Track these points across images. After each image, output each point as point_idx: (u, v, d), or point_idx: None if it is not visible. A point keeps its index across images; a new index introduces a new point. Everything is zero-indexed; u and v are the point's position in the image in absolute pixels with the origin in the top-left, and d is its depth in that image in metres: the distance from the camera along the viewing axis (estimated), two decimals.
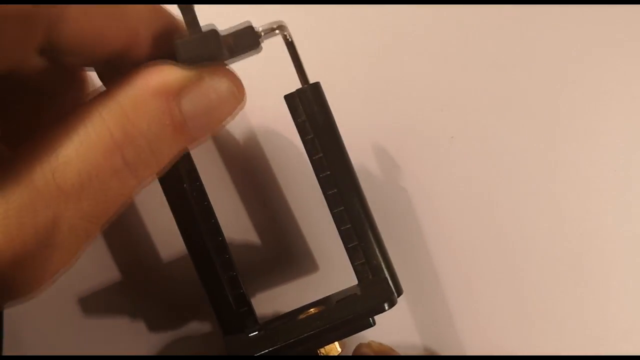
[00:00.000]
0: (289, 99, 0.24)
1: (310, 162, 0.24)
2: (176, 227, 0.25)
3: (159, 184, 0.25)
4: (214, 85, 0.20)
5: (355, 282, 0.25)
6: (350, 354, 0.27)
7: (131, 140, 0.18)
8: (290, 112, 0.24)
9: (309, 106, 0.24)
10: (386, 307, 0.24)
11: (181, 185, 0.25)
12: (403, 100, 0.31)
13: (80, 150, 0.18)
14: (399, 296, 0.25)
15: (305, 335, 0.23)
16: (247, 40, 0.21)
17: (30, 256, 0.17)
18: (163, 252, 0.30)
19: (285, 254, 0.30)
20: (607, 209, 0.30)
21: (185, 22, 0.20)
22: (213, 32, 0.20)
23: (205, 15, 0.28)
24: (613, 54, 0.31)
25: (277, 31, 0.22)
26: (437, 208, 0.30)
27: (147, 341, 0.30)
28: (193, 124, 0.19)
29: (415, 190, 0.31)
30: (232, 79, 0.20)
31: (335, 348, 0.25)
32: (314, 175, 0.25)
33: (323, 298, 0.26)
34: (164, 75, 0.19)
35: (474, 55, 0.31)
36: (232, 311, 0.25)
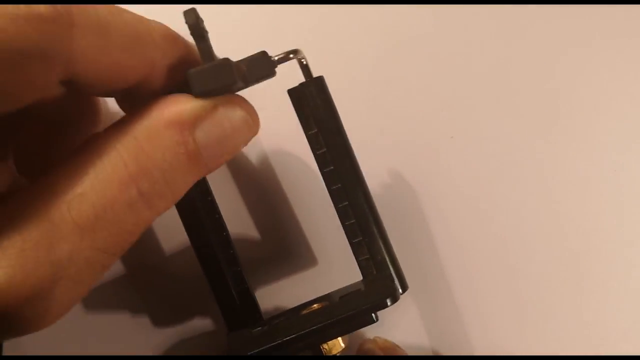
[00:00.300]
0: (293, 93, 0.24)
1: (314, 156, 0.24)
2: (179, 222, 0.25)
3: None
4: (228, 115, 0.20)
5: (360, 277, 0.25)
6: (355, 351, 0.27)
7: (146, 172, 0.18)
8: (294, 106, 0.24)
9: (312, 100, 0.24)
10: (389, 303, 0.23)
11: None
12: (403, 100, 0.31)
13: (95, 184, 0.18)
14: (404, 292, 0.25)
15: (307, 330, 0.23)
16: (262, 68, 0.21)
17: (47, 290, 0.17)
18: (166, 247, 0.30)
19: (287, 249, 0.30)
20: (607, 208, 0.30)
21: (199, 50, 0.20)
22: (226, 61, 0.20)
23: (206, 15, 0.28)
24: (613, 53, 0.31)
25: (292, 57, 0.22)
26: (437, 207, 0.30)
27: (150, 338, 0.30)
28: (207, 153, 0.19)
29: (415, 189, 0.31)
30: (246, 108, 0.20)
31: (338, 344, 0.25)
32: (315, 171, 0.25)
33: (327, 294, 0.26)
34: (178, 106, 0.19)
35: (474, 55, 0.31)
36: (236, 306, 0.25)
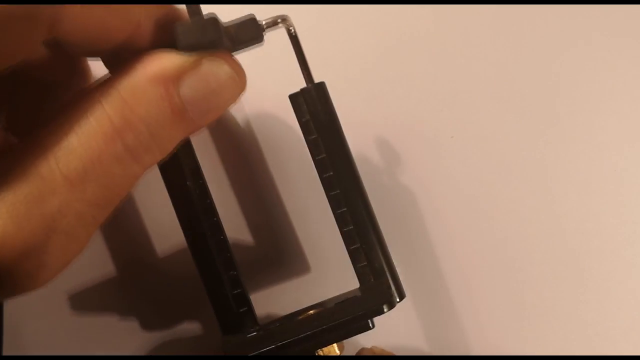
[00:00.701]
0: (294, 98, 0.24)
1: (314, 162, 0.24)
2: (175, 224, 0.25)
3: (162, 181, 0.25)
4: (213, 70, 0.20)
5: (357, 284, 0.25)
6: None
7: (130, 126, 0.18)
8: (295, 112, 0.24)
9: (313, 106, 0.24)
10: (385, 310, 0.23)
11: (184, 182, 0.25)
12: (403, 100, 0.31)
13: (81, 138, 0.18)
14: (401, 299, 0.24)
15: (302, 335, 0.23)
16: (250, 32, 0.21)
17: (40, 244, 0.18)
18: (162, 250, 0.30)
19: (282, 255, 0.30)
20: (607, 208, 0.30)
21: (187, 7, 0.20)
22: (213, 19, 0.20)
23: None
24: (613, 53, 0.31)
25: (280, 24, 0.22)
26: (437, 207, 0.30)
27: (146, 340, 0.30)
28: (193, 109, 0.19)
29: (415, 189, 0.31)
30: (232, 63, 0.20)
31: (333, 350, 0.25)
32: (312, 176, 0.25)
33: (323, 301, 0.26)
34: (162, 62, 0.19)
35: (474, 55, 0.31)
36: (232, 311, 0.25)
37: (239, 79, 0.20)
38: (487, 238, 0.30)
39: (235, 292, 0.25)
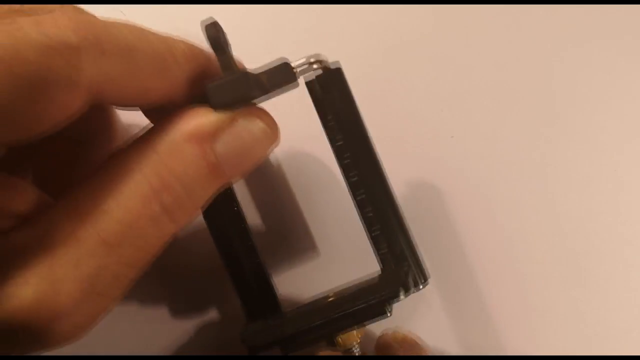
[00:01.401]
0: (311, 85, 0.24)
1: (332, 148, 0.24)
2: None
3: None
4: (247, 127, 0.20)
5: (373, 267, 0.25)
6: (374, 343, 0.26)
7: (168, 186, 0.19)
8: (312, 99, 0.24)
9: (331, 92, 0.24)
10: (401, 295, 0.24)
11: None
12: (403, 100, 0.31)
13: (120, 201, 0.18)
14: (424, 282, 0.24)
15: (318, 323, 0.23)
16: (282, 77, 0.21)
17: (76, 306, 0.18)
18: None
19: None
20: (606, 207, 0.31)
21: (219, 63, 0.20)
22: (244, 74, 0.20)
23: (207, 15, 0.28)
24: (613, 53, 0.31)
25: (314, 64, 0.22)
26: (437, 207, 0.30)
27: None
28: (228, 165, 0.20)
29: (415, 188, 0.31)
30: (265, 119, 0.21)
31: (353, 335, 0.25)
32: (327, 166, 0.25)
33: (345, 284, 0.26)
34: (198, 120, 0.19)
35: (474, 55, 0.31)
36: (256, 297, 0.25)
37: (272, 134, 0.21)
38: (487, 238, 0.30)
39: (259, 279, 0.25)
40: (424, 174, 0.31)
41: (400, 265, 0.24)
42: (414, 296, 0.25)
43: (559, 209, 0.31)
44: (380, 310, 0.24)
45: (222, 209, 0.25)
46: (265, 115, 0.21)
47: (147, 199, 0.18)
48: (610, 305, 0.30)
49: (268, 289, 0.25)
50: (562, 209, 0.31)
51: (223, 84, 0.20)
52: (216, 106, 0.20)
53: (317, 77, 0.24)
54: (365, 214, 0.24)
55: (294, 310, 0.25)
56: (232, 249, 0.25)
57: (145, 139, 0.19)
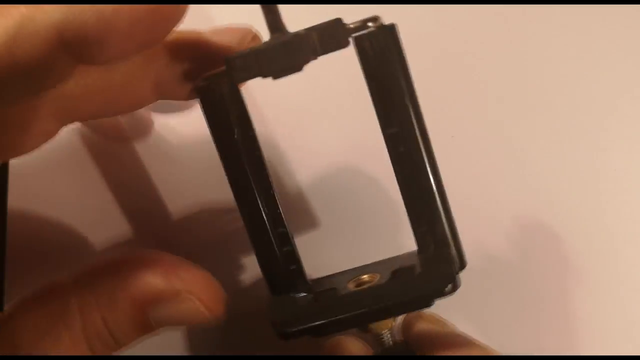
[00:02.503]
0: (359, 40, 0.22)
1: (377, 115, 0.23)
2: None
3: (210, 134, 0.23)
4: (187, 306, 0.21)
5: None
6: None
7: (99, 335, 0.20)
8: (359, 56, 0.22)
9: (381, 52, 0.22)
10: (447, 292, 0.22)
11: (232, 134, 0.22)
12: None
13: (50, 342, 0.20)
14: (462, 268, 0.23)
15: (358, 312, 0.21)
16: (335, 39, 0.20)
17: None
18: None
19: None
20: (606, 207, 0.31)
21: (266, 23, 0.19)
22: (297, 36, 0.19)
23: (206, 14, 0.29)
24: (613, 52, 0.32)
25: (370, 24, 0.21)
26: None
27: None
28: (157, 323, 0.21)
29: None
30: (207, 302, 0.21)
31: (387, 322, 0.23)
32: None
33: (377, 262, 0.24)
34: (146, 286, 0.21)
35: (474, 55, 0.31)
36: (281, 269, 0.23)
37: (209, 315, 0.21)
38: (487, 237, 0.30)
39: (285, 250, 0.23)
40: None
41: (442, 250, 0.23)
42: None
43: (559, 208, 0.31)
44: (425, 302, 0.22)
45: (249, 174, 0.23)
46: (209, 296, 0.21)
47: (76, 340, 0.20)
48: (610, 305, 0.31)
49: (294, 260, 0.23)
50: (562, 208, 0.31)
51: (275, 46, 0.19)
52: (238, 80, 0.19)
53: (369, 33, 0.22)
54: (406, 189, 0.23)
55: (325, 292, 0.23)
56: (256, 216, 0.23)
57: (91, 282, 0.21)
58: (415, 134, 0.23)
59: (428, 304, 0.22)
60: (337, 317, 0.21)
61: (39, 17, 0.15)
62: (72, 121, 0.21)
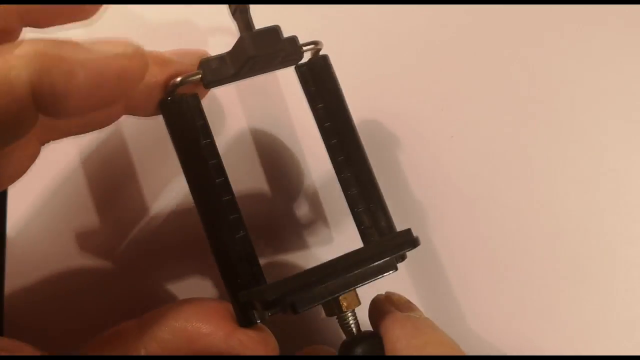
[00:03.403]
0: (300, 69, 0.25)
1: (319, 129, 0.25)
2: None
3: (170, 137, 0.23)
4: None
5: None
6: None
7: None
8: (301, 82, 0.25)
9: (319, 76, 0.25)
10: (410, 247, 0.23)
11: (197, 143, 0.24)
12: (403, 100, 0.31)
13: None
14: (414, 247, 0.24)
15: (321, 275, 0.22)
16: (294, 52, 0.23)
17: None
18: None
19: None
20: (606, 206, 0.31)
21: (238, 23, 0.22)
22: (275, 27, 0.22)
23: (206, 14, 0.30)
24: (613, 52, 0.32)
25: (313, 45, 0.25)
26: (437, 206, 0.31)
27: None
28: None
29: (415, 189, 0.31)
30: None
31: (356, 300, 0.24)
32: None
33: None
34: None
35: (474, 55, 0.32)
36: (240, 273, 0.23)
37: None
38: (487, 237, 0.31)
39: (245, 254, 0.23)
40: (424, 173, 0.31)
41: (391, 234, 0.24)
42: None
43: (559, 208, 0.31)
44: (391, 263, 0.23)
45: (210, 179, 0.24)
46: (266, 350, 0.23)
47: None
48: (609, 304, 0.30)
49: (254, 265, 0.23)
50: (562, 207, 0.31)
51: (256, 34, 0.21)
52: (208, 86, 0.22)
53: (307, 62, 0.25)
54: (348, 192, 0.25)
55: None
56: (216, 219, 0.23)
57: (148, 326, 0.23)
58: (352, 142, 0.25)
59: (393, 263, 0.23)
60: (309, 281, 0.21)
61: (11, 74, 0.15)
62: (51, 140, 0.22)
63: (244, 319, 0.23)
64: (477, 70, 0.32)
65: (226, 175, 0.24)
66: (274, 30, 0.22)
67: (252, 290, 0.23)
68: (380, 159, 0.30)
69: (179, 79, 0.22)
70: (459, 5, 0.32)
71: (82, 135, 0.23)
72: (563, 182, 0.31)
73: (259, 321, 0.23)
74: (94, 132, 0.23)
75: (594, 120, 0.32)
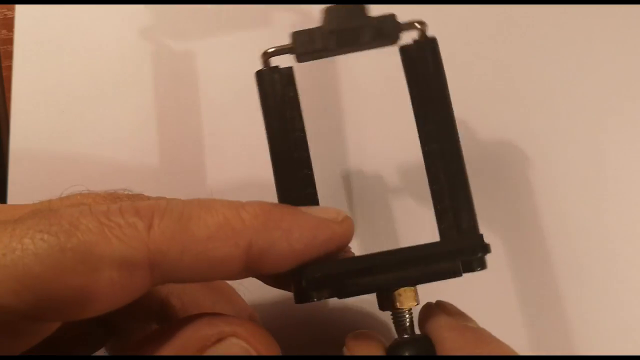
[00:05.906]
0: (405, 51, 0.25)
1: (415, 116, 0.25)
2: None
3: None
4: (231, 349, 0.21)
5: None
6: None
7: None
8: (403, 65, 0.25)
9: (423, 61, 0.24)
10: (479, 252, 0.22)
11: (283, 111, 0.24)
12: (403, 100, 0.29)
13: None
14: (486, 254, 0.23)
15: (384, 263, 0.21)
16: (389, 30, 0.23)
17: None
18: None
19: None
20: (607, 206, 0.31)
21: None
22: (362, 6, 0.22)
23: (206, 14, 0.30)
24: (613, 52, 0.32)
25: (417, 25, 0.24)
26: None
27: None
28: None
29: (416, 188, 0.31)
30: (253, 343, 0.21)
31: (412, 297, 0.23)
32: None
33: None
34: (198, 333, 0.21)
35: (475, 55, 0.32)
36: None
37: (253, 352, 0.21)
38: (487, 236, 0.30)
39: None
40: (424, 173, 0.30)
41: (470, 233, 0.23)
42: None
43: (559, 207, 0.31)
44: (454, 268, 0.22)
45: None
46: (256, 339, 0.21)
47: None
48: (610, 305, 0.30)
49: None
50: (563, 207, 0.31)
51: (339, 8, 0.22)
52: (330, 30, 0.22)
53: (414, 43, 0.24)
54: (434, 187, 0.24)
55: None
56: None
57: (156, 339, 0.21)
58: (448, 133, 0.24)
59: (457, 267, 0.22)
60: (363, 266, 0.21)
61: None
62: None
63: (302, 296, 0.22)
64: (477, 69, 0.32)
65: (308, 150, 0.24)
66: (359, 6, 0.22)
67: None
68: (380, 160, 0.31)
69: (271, 48, 0.23)
70: (459, 5, 0.32)
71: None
72: (565, 181, 0.31)
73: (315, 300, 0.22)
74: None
75: (597, 119, 0.32)
